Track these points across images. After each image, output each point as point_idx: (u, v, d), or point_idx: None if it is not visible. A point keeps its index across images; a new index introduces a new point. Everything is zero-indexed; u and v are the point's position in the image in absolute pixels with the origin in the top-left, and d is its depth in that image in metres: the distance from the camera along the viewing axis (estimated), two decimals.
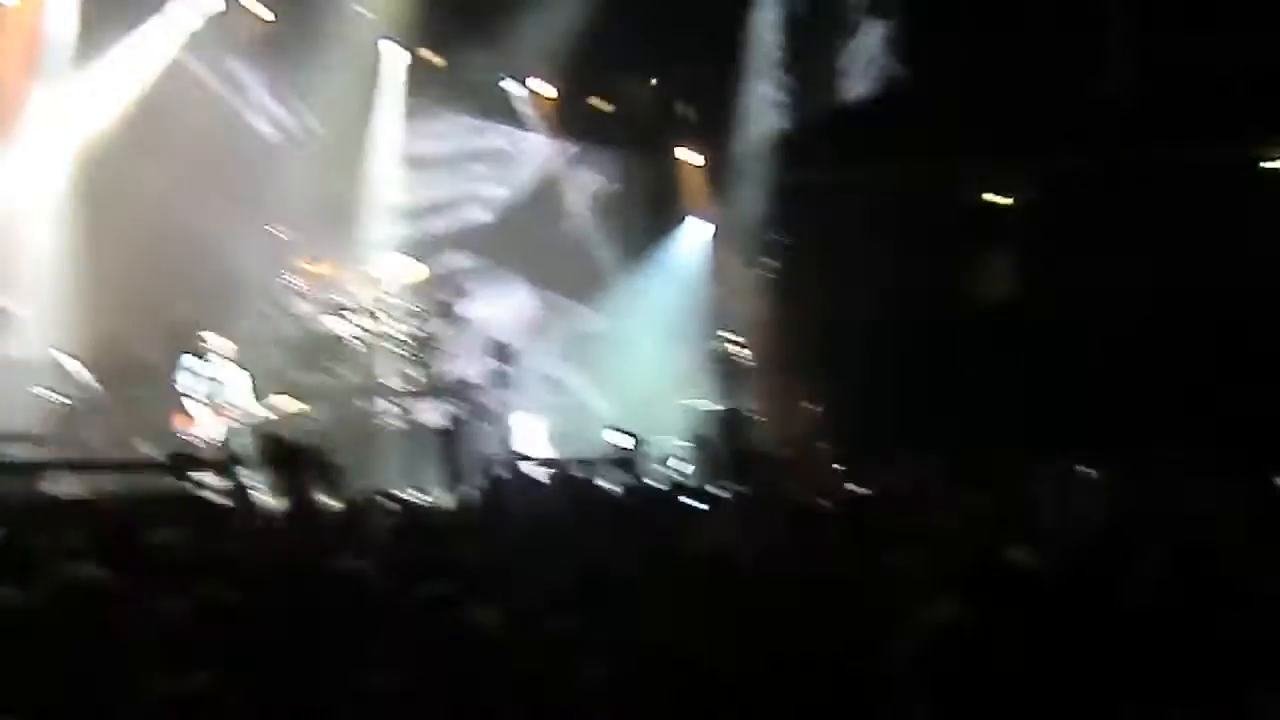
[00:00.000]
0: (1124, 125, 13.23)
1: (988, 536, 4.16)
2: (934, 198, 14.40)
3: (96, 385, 9.61)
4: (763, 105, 14.93)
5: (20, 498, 6.20)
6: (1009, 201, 15.13)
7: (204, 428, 9.40)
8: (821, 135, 14.25)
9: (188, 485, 6.66)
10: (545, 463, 10.04)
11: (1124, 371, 12.42)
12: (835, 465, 9.49)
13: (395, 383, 11.57)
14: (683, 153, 15.88)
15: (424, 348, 11.94)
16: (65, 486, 7.75)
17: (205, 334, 9.81)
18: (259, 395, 10.05)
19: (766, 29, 14.78)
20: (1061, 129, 13.34)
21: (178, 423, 9.52)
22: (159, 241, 10.73)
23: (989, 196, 15.21)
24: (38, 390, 9.27)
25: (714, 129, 15.21)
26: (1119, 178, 13.67)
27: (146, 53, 11.16)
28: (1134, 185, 13.58)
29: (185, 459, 4.30)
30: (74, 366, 9.54)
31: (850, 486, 7.99)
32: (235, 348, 10.14)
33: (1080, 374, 12.55)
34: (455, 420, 11.29)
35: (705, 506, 5.49)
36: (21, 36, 10.63)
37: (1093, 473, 5.59)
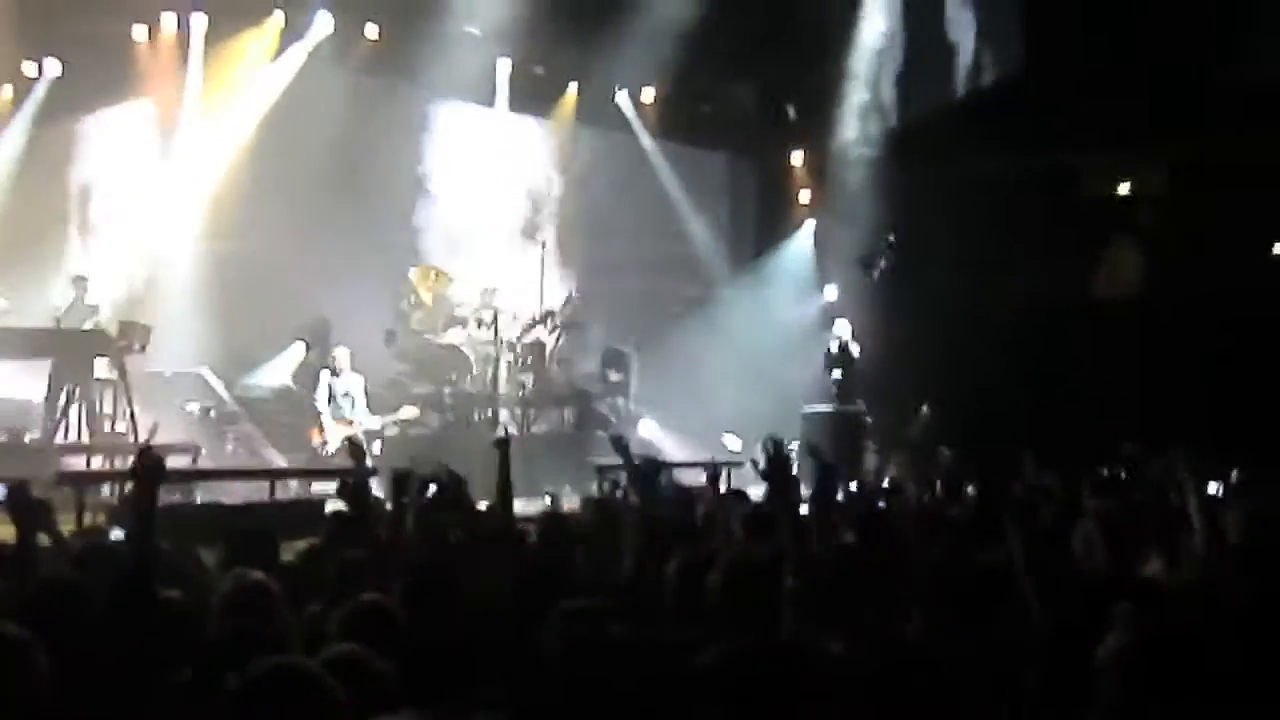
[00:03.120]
0: (1259, 112, 12.57)
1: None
2: (1054, 191, 13.95)
3: (234, 400, 10.15)
4: (872, 102, 14.74)
5: (176, 506, 6.60)
6: (1135, 193, 14.58)
7: (337, 440, 9.80)
8: (935, 130, 13.96)
9: (327, 496, 7.02)
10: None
11: (1259, 373, 11.80)
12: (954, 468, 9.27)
13: (513, 391, 11.82)
14: (792, 155, 15.82)
15: (540, 357, 12.17)
16: (212, 495, 8.23)
17: (338, 350, 10.23)
18: (382, 406, 10.45)
19: (874, 23, 14.60)
20: (1192, 117, 12.74)
21: (313, 436, 9.95)
22: (286, 261, 11.28)
23: (1114, 187, 14.69)
24: (186, 404, 9.85)
25: (822, 129, 15.08)
26: (1254, 167, 12.99)
27: (266, 79, 11.78)
28: (1270, 175, 12.90)
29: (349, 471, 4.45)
30: (216, 382, 10.10)
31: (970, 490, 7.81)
32: (359, 360, 10.57)
33: (1209, 375, 11.98)
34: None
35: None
36: (157, 70, 11.43)
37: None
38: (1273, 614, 2.88)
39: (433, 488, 4.14)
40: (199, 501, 7.81)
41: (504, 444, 4.44)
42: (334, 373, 10.05)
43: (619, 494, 4.73)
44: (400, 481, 3.88)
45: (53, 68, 11.51)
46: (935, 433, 11.95)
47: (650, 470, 3.26)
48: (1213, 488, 6.51)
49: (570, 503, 7.11)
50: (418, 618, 3.01)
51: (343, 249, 11.76)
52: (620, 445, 4.24)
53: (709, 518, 4.91)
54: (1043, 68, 13.39)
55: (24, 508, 3.44)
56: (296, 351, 11.11)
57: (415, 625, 2.96)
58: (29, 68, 11.50)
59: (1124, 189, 14.66)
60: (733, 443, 12.82)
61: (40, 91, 11.48)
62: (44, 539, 3.56)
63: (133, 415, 8.92)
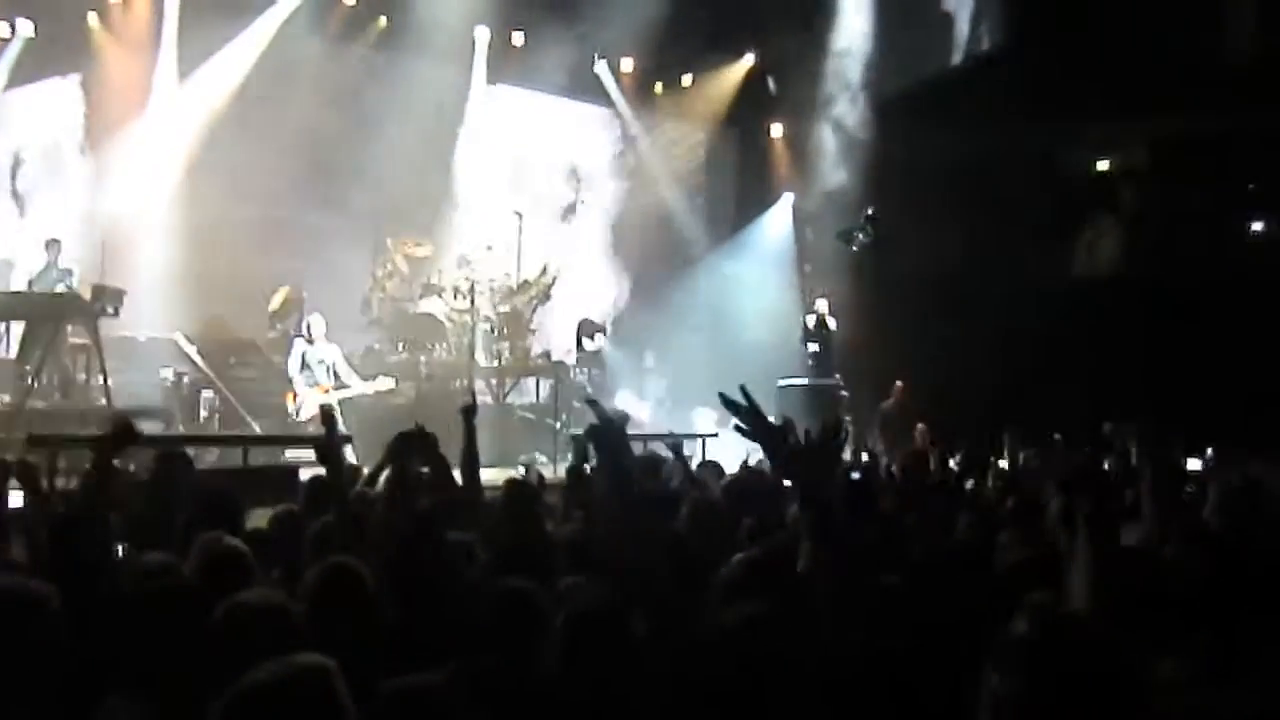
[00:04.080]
0: (1242, 86, 12.58)
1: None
2: (1033, 167, 13.98)
3: (208, 366, 10.06)
4: (853, 76, 14.71)
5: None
6: (1116, 169, 14.62)
7: (311, 407, 9.74)
8: (916, 105, 13.94)
9: (300, 462, 6.99)
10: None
11: (1238, 348, 11.87)
12: (931, 442, 9.32)
13: (489, 361, 11.80)
14: (772, 127, 15.80)
15: (518, 327, 12.15)
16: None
17: (312, 318, 10.14)
18: (358, 374, 10.39)
19: None
20: (1174, 92, 12.72)
21: (287, 402, 9.89)
22: (262, 226, 11.18)
23: (1094, 164, 14.72)
24: (160, 370, 9.77)
25: (803, 102, 15.04)
26: (1236, 142, 12.99)
27: (244, 44, 11.61)
28: (1252, 150, 12.92)
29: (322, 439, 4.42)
30: (189, 348, 10.00)
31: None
32: (335, 328, 10.49)
33: (1187, 351, 12.06)
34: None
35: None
36: (131, 34, 11.24)
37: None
38: (1232, 591, 2.92)
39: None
40: None
41: (469, 411, 4.38)
42: (309, 340, 9.97)
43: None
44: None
45: (25, 28, 11.28)
46: (911, 408, 12.04)
47: (610, 435, 3.18)
48: (1193, 464, 6.62)
49: (546, 473, 7.11)
50: (398, 586, 3.01)
51: (318, 215, 11.66)
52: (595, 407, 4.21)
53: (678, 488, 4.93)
54: (1024, 44, 13.39)
55: None
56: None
57: (395, 593, 2.97)
58: (0, 28, 11.28)
59: (1104, 165, 14.71)
60: (708, 417, 12.86)
61: (13, 51, 11.25)
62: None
63: (105, 379, 8.84)
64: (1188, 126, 13.20)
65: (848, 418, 12.71)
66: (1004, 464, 7.77)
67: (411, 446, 3.73)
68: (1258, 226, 13.77)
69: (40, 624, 2.30)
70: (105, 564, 3.06)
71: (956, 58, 14.31)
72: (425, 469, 3.95)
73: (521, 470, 7.38)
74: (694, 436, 10.65)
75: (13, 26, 11.24)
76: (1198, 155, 13.23)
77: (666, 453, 6.13)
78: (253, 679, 1.85)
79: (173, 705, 2.28)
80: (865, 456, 7.97)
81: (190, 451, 8.35)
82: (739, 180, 16.27)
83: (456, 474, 4.11)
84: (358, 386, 9.94)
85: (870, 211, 13.86)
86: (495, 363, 11.81)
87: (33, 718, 2.22)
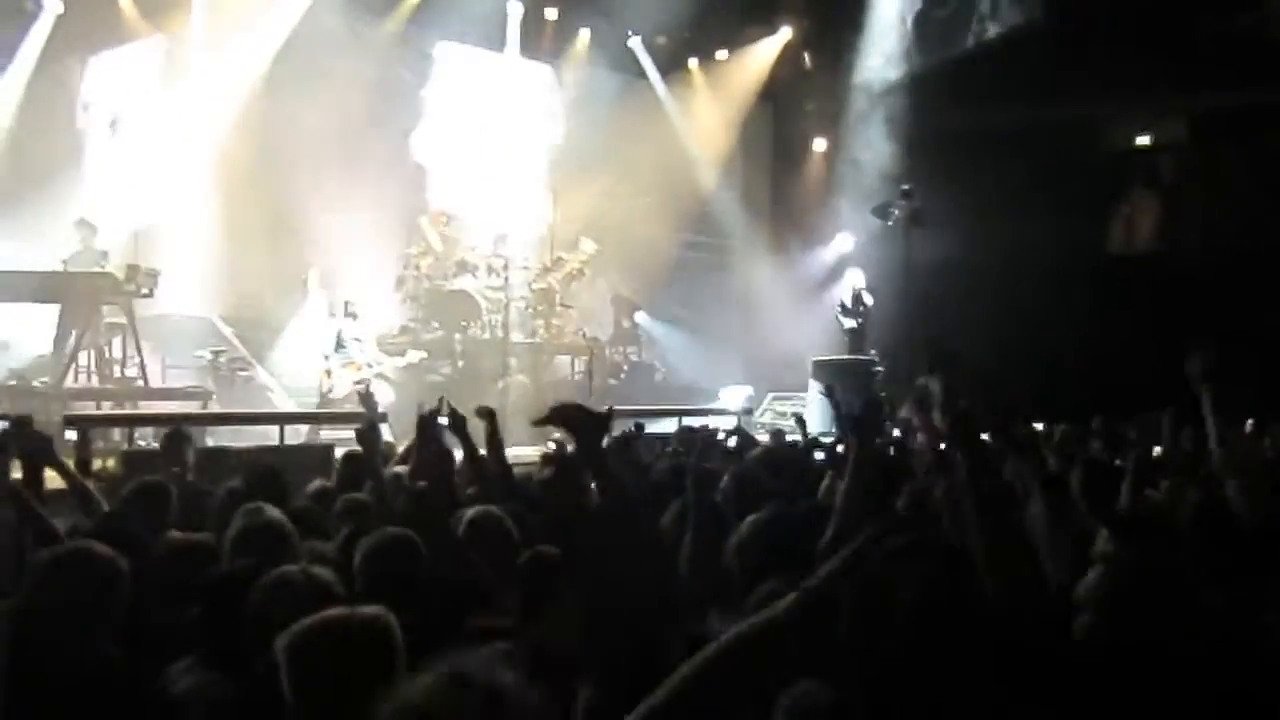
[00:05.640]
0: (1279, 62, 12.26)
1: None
2: (1072, 142, 13.72)
3: (243, 345, 10.12)
4: (889, 50, 14.48)
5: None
6: (1154, 144, 14.34)
7: (345, 384, 9.77)
8: (953, 80, 13.72)
9: (335, 440, 7.01)
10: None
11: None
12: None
13: (524, 338, 11.77)
14: (807, 102, 15.61)
15: (551, 303, 12.10)
16: (223, 440, 8.21)
17: (349, 296, 10.17)
18: (391, 351, 10.42)
19: None
20: (1213, 66, 12.44)
21: (322, 381, 9.92)
22: (295, 205, 11.18)
23: (1132, 139, 14.45)
24: (196, 351, 9.82)
25: (838, 76, 14.84)
26: (1274, 118, 12.68)
27: (275, 21, 11.58)
28: None
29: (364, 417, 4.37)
30: (225, 328, 10.06)
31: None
32: (369, 307, 10.52)
33: (1229, 332, 11.76)
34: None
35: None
36: (162, 12, 11.25)
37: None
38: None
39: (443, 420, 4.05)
40: (209, 445, 7.78)
41: (488, 415, 4.20)
42: (350, 315, 10.00)
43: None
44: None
45: (54, 4, 11.27)
46: (947, 384, 11.86)
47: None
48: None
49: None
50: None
51: (353, 193, 11.64)
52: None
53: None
54: (1062, 17, 13.12)
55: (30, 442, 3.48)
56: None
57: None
58: (30, 4, 11.28)
59: (1144, 140, 14.43)
60: (740, 393, 12.77)
61: (44, 29, 11.25)
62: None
63: (141, 359, 8.90)
64: (1229, 100, 12.90)
65: (882, 394, 12.55)
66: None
67: (437, 423, 3.69)
68: None
69: (113, 583, 2.40)
70: (154, 541, 3.08)
71: (993, 29, 14.03)
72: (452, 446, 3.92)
73: (552, 446, 7.33)
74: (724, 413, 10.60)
75: (41, 3, 11.20)
76: (1239, 129, 12.94)
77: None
78: (315, 620, 1.91)
79: (230, 670, 2.32)
80: (898, 433, 7.84)
81: (227, 430, 8.48)
82: (774, 155, 16.10)
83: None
84: (389, 362, 9.98)
85: (906, 186, 13.66)
86: (530, 339, 11.79)
87: (108, 676, 2.30)
